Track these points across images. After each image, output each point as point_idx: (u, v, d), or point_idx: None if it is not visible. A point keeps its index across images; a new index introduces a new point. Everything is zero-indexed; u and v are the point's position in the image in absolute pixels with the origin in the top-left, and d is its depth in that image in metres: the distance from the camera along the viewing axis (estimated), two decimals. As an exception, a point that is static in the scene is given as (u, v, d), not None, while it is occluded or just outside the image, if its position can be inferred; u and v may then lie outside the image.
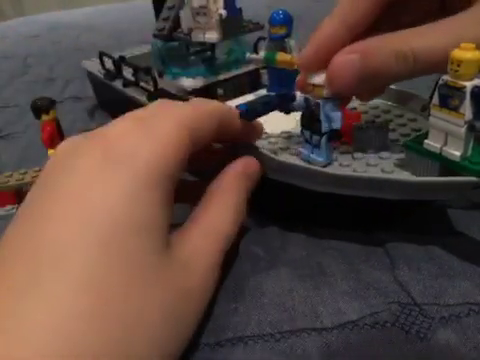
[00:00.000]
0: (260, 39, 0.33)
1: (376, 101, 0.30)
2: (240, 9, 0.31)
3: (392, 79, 0.21)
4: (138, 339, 0.14)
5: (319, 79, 0.21)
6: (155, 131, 0.17)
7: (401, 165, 0.23)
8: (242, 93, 0.33)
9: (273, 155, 0.24)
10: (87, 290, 0.13)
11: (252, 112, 0.24)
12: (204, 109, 0.20)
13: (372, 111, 0.29)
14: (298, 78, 0.23)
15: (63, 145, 0.17)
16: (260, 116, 0.25)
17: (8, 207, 0.30)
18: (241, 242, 0.25)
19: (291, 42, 0.29)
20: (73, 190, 0.15)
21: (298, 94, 0.24)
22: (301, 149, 0.24)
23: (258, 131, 0.23)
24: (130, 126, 0.17)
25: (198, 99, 0.22)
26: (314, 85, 0.22)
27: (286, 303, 0.21)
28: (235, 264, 0.23)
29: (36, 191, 0.16)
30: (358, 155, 0.24)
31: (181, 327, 0.16)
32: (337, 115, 0.22)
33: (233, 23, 0.31)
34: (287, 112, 0.24)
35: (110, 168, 0.15)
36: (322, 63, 0.20)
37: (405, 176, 0.22)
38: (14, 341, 0.12)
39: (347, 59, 0.19)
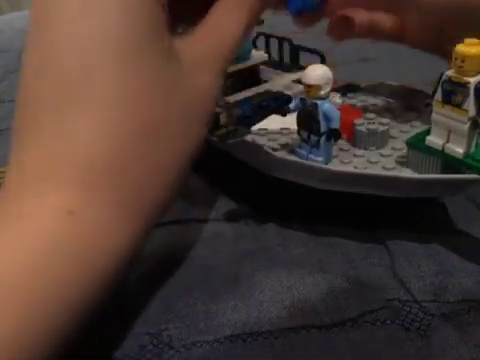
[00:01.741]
0: (259, 35, 0.33)
1: (377, 97, 0.29)
2: None
3: None
4: (161, 137, 0.16)
5: (315, 79, 0.21)
6: None
7: (402, 162, 0.23)
8: (241, 89, 0.33)
9: (274, 152, 0.23)
10: (114, 104, 0.15)
11: (250, 118, 0.24)
12: None
13: (373, 107, 0.28)
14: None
15: None
16: (258, 122, 0.25)
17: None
18: (240, 239, 0.25)
19: None
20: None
21: (293, 95, 0.23)
22: (298, 149, 0.24)
23: None
24: None
25: None
26: (310, 85, 0.21)
27: (285, 300, 0.21)
28: (234, 261, 0.23)
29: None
30: (359, 152, 0.24)
31: (193, 125, 0.17)
32: (336, 114, 0.22)
33: None
34: (284, 115, 0.24)
35: None
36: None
37: (407, 173, 0.22)
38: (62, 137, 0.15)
39: None
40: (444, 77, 0.19)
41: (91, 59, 0.15)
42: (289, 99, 0.24)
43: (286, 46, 0.33)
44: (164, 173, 0.16)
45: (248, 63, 0.34)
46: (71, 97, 0.15)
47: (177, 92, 0.16)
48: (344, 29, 0.23)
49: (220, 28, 0.18)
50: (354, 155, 0.24)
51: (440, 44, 0.19)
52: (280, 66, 0.34)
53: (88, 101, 0.15)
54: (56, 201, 0.14)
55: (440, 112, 0.19)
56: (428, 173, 0.21)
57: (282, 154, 0.24)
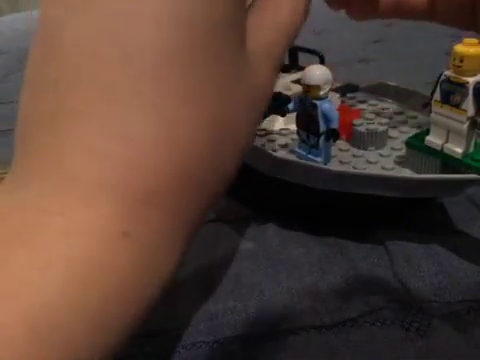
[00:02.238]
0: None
1: (376, 98, 0.29)
2: None
3: None
4: (228, 140, 0.14)
5: (314, 80, 0.21)
6: None
7: (401, 163, 0.23)
8: None
9: (273, 152, 0.23)
10: (185, 99, 0.12)
11: None
12: None
13: (371, 108, 0.28)
14: None
15: None
16: None
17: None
18: (240, 240, 0.25)
19: None
20: None
21: (292, 96, 0.23)
22: (297, 149, 0.24)
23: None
24: None
25: None
26: (309, 86, 0.21)
27: (285, 301, 0.21)
28: (234, 262, 0.23)
29: None
30: (358, 152, 0.24)
31: (254, 123, 0.16)
32: (335, 115, 0.22)
33: None
34: (283, 115, 0.24)
35: None
36: None
37: (406, 173, 0.22)
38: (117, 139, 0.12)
39: None
40: (443, 77, 0.19)
41: (164, 45, 0.12)
42: (288, 99, 0.24)
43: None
44: (220, 177, 0.14)
45: None
46: (138, 86, 0.12)
47: (245, 87, 0.14)
48: (366, 7, 0.21)
49: (279, 13, 0.16)
50: (353, 155, 0.24)
51: (474, 20, 0.18)
52: None
53: (156, 92, 0.12)
54: (108, 218, 0.12)
55: (439, 112, 0.20)
56: (427, 173, 0.21)
57: (281, 154, 0.24)
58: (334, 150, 0.24)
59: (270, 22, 0.16)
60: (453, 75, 0.18)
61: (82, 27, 0.12)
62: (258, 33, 0.16)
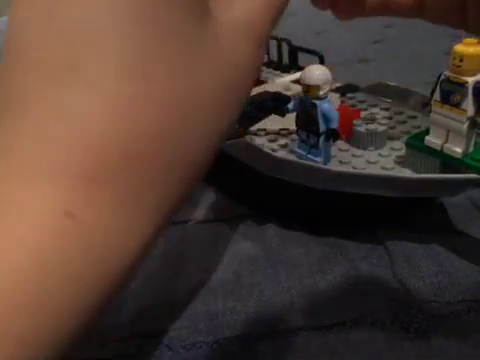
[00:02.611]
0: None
1: (376, 98, 0.29)
2: None
3: None
4: (189, 121, 0.13)
5: (314, 80, 0.21)
6: None
7: (401, 162, 0.23)
8: None
9: (273, 152, 0.23)
10: (129, 74, 0.12)
11: (249, 119, 0.24)
12: None
13: (371, 108, 0.28)
14: None
15: None
16: (257, 122, 0.25)
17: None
18: (240, 240, 0.25)
19: None
20: None
21: (292, 96, 0.23)
22: (297, 149, 0.24)
23: None
24: None
25: None
26: (309, 86, 0.21)
27: (285, 301, 0.21)
28: (234, 262, 0.23)
29: None
30: (358, 152, 0.24)
31: (230, 106, 0.14)
32: (334, 115, 0.22)
33: None
34: (283, 115, 0.24)
35: None
36: None
37: (406, 173, 0.22)
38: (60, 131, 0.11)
39: None
40: (442, 77, 0.19)
41: (99, 15, 0.12)
42: (288, 99, 0.24)
43: (285, 47, 0.33)
44: (184, 159, 0.14)
45: None
46: (73, 61, 0.12)
47: (211, 65, 0.13)
48: (353, 6, 0.19)
49: None
50: (353, 155, 0.24)
51: (464, 17, 0.17)
52: (279, 67, 0.34)
53: (95, 67, 0.12)
54: (51, 199, 0.11)
55: (439, 112, 0.20)
56: (427, 172, 0.21)
57: (281, 154, 0.24)
58: (334, 150, 0.24)
59: None
60: (453, 75, 0.18)
61: (24, 12, 0.12)
62: (234, 5, 0.15)
